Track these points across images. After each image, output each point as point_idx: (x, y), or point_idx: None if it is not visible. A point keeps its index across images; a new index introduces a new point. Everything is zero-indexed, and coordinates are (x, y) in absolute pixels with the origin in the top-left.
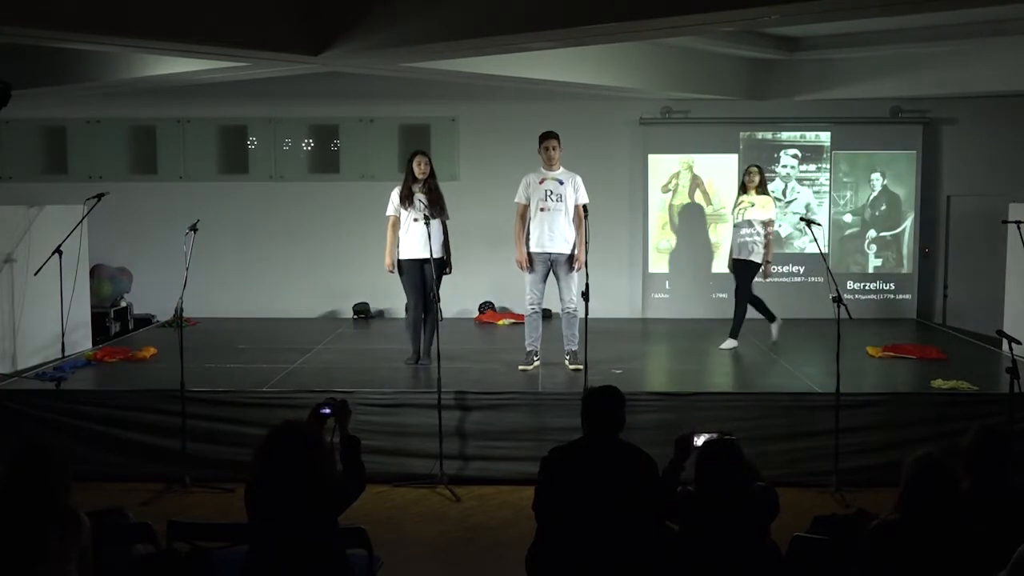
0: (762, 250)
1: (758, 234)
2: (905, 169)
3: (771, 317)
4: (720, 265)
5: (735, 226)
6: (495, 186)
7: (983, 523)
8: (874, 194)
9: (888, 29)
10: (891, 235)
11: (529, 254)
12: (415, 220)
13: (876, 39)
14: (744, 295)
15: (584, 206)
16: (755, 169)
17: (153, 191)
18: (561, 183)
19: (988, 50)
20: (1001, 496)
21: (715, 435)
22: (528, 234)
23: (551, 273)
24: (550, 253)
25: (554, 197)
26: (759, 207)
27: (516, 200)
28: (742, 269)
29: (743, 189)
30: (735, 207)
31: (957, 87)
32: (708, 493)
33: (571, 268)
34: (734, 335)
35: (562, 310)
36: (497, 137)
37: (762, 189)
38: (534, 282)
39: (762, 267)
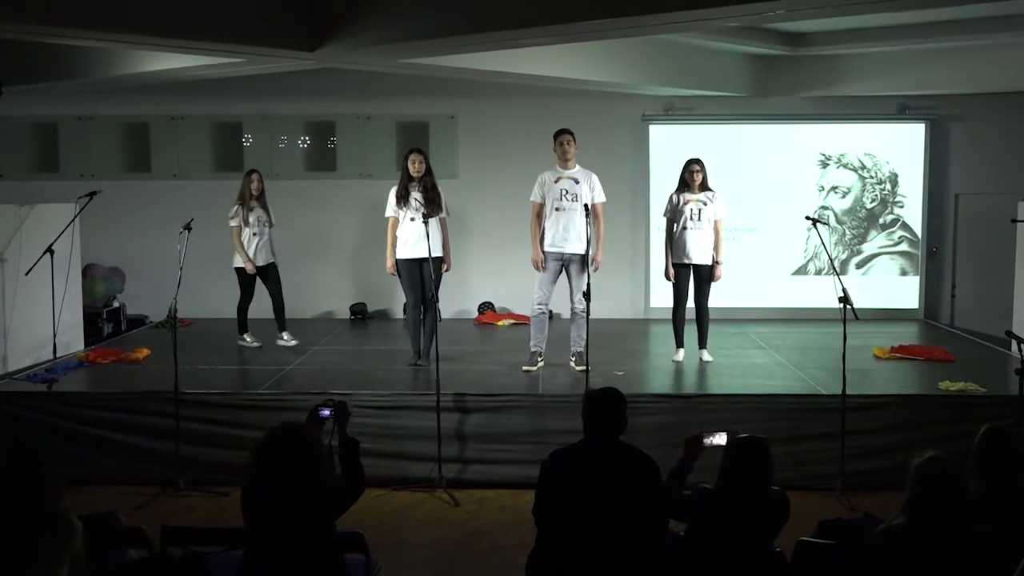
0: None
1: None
2: (913, 167)
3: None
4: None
5: (690, 228)
6: (494, 184)
7: (990, 526)
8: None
9: (895, 25)
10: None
11: (543, 253)
12: (411, 219)
13: (883, 35)
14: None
15: (600, 204)
16: (698, 167)
17: (146, 189)
18: (577, 182)
19: (997, 47)
20: (1009, 499)
21: (723, 434)
22: (543, 233)
23: (563, 273)
24: (564, 253)
25: (569, 196)
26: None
27: (531, 199)
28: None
29: (686, 187)
30: (682, 206)
31: (965, 84)
32: (731, 491)
33: (585, 267)
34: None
35: (572, 310)
36: (497, 135)
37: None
38: (544, 282)
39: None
